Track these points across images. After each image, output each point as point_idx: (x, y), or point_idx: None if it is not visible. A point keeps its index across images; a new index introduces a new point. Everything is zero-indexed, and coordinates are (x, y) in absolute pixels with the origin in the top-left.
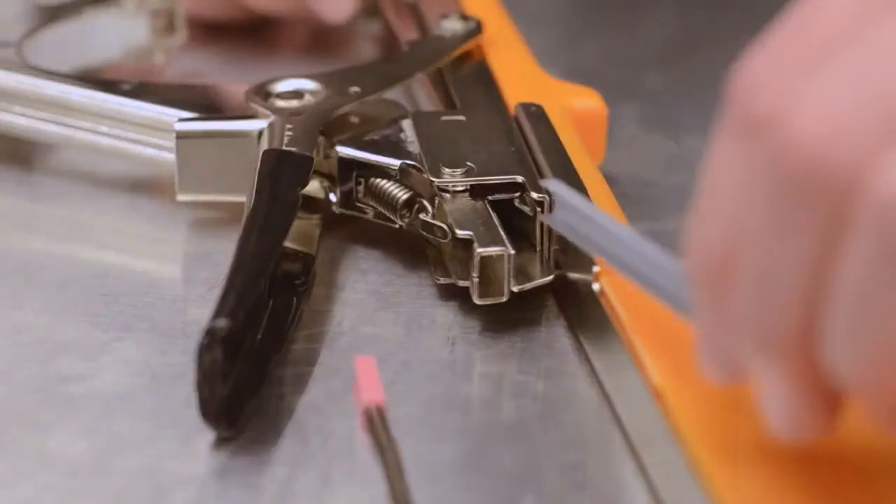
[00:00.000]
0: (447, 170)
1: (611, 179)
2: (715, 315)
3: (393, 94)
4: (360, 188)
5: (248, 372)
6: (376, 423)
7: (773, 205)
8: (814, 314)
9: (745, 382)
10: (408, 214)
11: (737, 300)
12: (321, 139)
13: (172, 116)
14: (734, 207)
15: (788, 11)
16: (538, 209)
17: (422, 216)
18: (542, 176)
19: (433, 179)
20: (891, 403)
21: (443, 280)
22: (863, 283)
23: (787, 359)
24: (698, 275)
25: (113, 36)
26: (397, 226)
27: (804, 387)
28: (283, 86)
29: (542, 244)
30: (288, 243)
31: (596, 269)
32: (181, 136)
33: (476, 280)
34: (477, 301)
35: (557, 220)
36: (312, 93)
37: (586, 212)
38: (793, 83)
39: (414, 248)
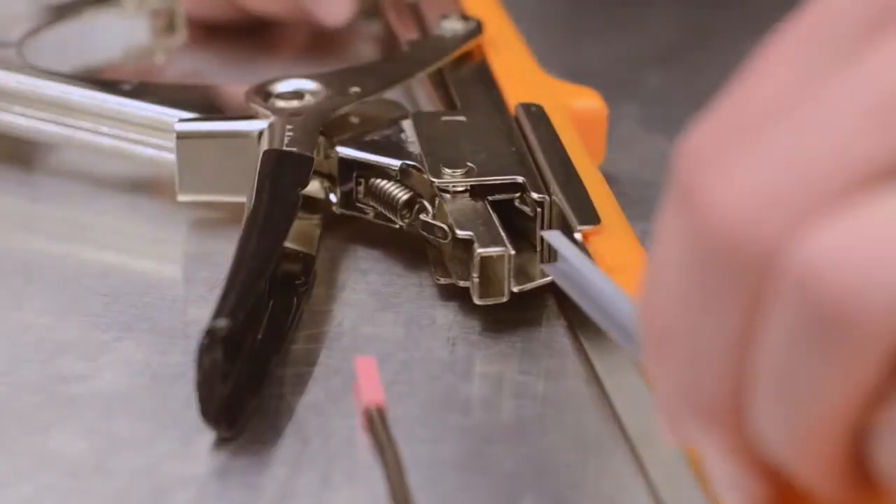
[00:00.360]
0: (447, 170)
1: (611, 179)
2: (660, 378)
3: (393, 94)
4: (361, 188)
5: (248, 372)
6: (376, 423)
7: (697, 276)
8: (740, 387)
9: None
10: (408, 215)
11: (672, 367)
12: (321, 139)
13: (172, 116)
14: (670, 276)
15: (735, 78)
16: (538, 209)
17: (422, 216)
18: (542, 176)
19: (433, 180)
20: (818, 476)
21: (443, 280)
22: (782, 357)
23: (721, 429)
24: (645, 339)
25: (113, 36)
26: (397, 226)
27: (741, 456)
28: (283, 86)
29: (542, 244)
30: (288, 243)
31: None
32: (181, 137)
33: (476, 280)
34: (477, 301)
35: (557, 271)
36: (312, 93)
37: (581, 268)
38: (724, 154)
39: (414, 248)
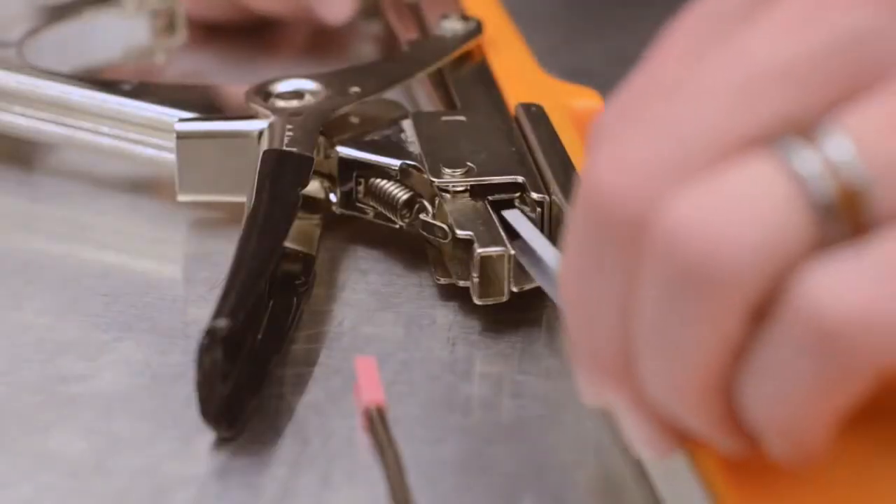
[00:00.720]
0: (447, 170)
1: None
2: (572, 341)
3: (393, 94)
4: (361, 188)
5: (248, 372)
6: (376, 423)
7: (589, 245)
8: (628, 346)
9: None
10: (408, 214)
11: (577, 331)
12: (321, 139)
13: (172, 116)
14: (574, 246)
15: (643, 57)
16: (538, 209)
17: (422, 216)
18: (542, 176)
19: (433, 179)
20: (703, 427)
21: (443, 280)
22: (656, 315)
23: (621, 386)
24: (561, 305)
25: (113, 36)
26: (397, 226)
27: (643, 412)
28: (283, 86)
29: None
30: (288, 243)
31: None
32: (181, 137)
33: (476, 280)
34: (477, 301)
35: (517, 247)
36: (312, 93)
37: (534, 244)
38: (616, 130)
39: (414, 248)
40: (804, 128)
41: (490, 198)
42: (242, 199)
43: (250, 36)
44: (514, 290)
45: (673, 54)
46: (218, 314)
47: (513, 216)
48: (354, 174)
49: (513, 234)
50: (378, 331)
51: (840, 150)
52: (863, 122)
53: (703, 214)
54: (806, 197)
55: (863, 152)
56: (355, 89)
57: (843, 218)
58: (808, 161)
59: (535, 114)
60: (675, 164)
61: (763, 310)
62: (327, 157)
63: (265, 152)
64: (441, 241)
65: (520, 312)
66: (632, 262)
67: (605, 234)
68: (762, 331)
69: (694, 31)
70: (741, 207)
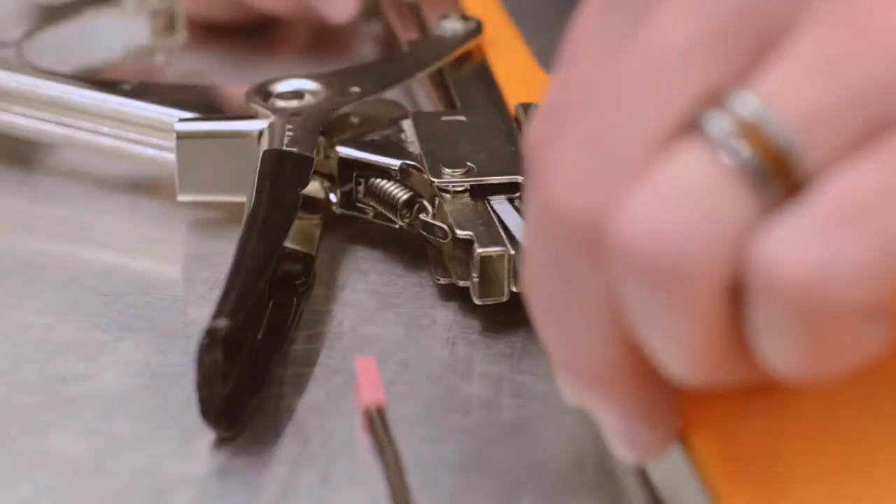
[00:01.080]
0: (447, 170)
1: None
2: (546, 343)
3: (393, 94)
4: (361, 188)
5: (248, 372)
6: (376, 423)
7: (547, 256)
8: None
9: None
10: (408, 214)
11: (547, 333)
12: (321, 139)
13: (172, 116)
14: (532, 252)
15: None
16: None
17: (422, 216)
18: None
19: (433, 179)
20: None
21: (443, 280)
22: (640, 312)
23: (600, 389)
24: (528, 307)
25: (113, 36)
26: (397, 226)
27: (628, 412)
28: (283, 86)
29: None
30: (288, 243)
31: None
32: (181, 137)
33: (476, 280)
34: (477, 301)
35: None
36: (312, 93)
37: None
38: (553, 137)
39: (414, 248)
40: (725, 94)
41: (490, 198)
42: (242, 199)
43: (250, 36)
44: (514, 290)
45: (584, 56)
46: (218, 314)
47: (497, 203)
48: (354, 174)
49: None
50: (378, 331)
51: (749, 108)
52: (770, 80)
53: (650, 216)
54: (736, 170)
55: (774, 108)
56: (355, 89)
57: (778, 179)
58: (725, 130)
59: None
60: (616, 169)
61: (739, 280)
62: (327, 157)
63: (265, 152)
64: (441, 241)
65: (520, 312)
66: (597, 269)
67: (565, 248)
68: (746, 300)
69: (599, 25)
70: (682, 200)
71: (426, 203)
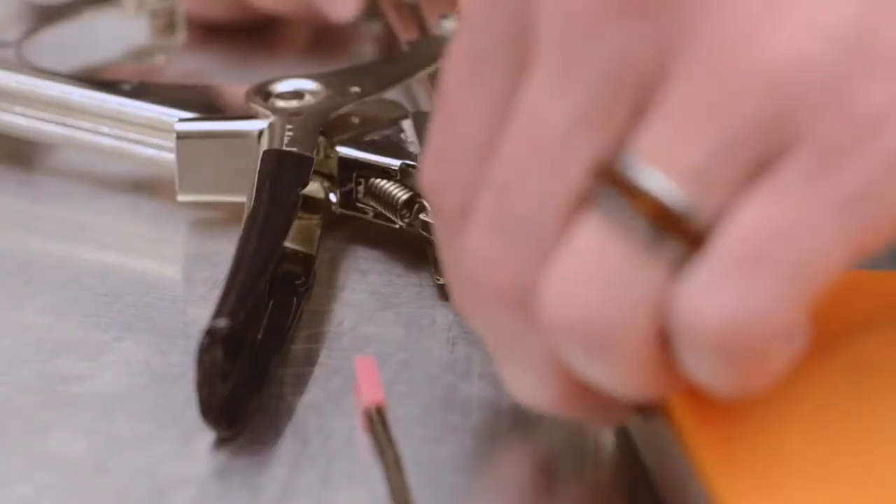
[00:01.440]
0: None
1: None
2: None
3: (393, 94)
4: (361, 188)
5: (247, 372)
6: (376, 423)
7: (480, 311)
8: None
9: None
10: (408, 214)
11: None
12: (321, 139)
13: (172, 116)
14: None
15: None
16: None
17: (422, 216)
18: None
19: None
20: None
21: (443, 280)
22: (578, 367)
23: (568, 409)
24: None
25: (113, 36)
26: (397, 226)
27: (595, 414)
28: (283, 86)
29: None
30: (288, 243)
31: None
32: (181, 137)
33: None
34: None
35: None
36: (312, 93)
37: None
38: (461, 209)
39: (414, 248)
40: (611, 164)
41: None
42: (242, 199)
43: (250, 36)
44: None
45: (465, 109)
46: (218, 314)
47: None
48: (354, 174)
49: None
50: (378, 331)
51: (635, 174)
52: (651, 140)
53: (571, 292)
54: (636, 238)
55: (659, 169)
56: (355, 89)
57: (678, 236)
58: (617, 203)
59: None
60: (528, 248)
61: (665, 327)
62: (327, 157)
63: (265, 152)
64: None
65: None
66: (531, 327)
67: (497, 314)
68: (674, 342)
69: (471, 77)
70: (596, 273)
71: (426, 203)
